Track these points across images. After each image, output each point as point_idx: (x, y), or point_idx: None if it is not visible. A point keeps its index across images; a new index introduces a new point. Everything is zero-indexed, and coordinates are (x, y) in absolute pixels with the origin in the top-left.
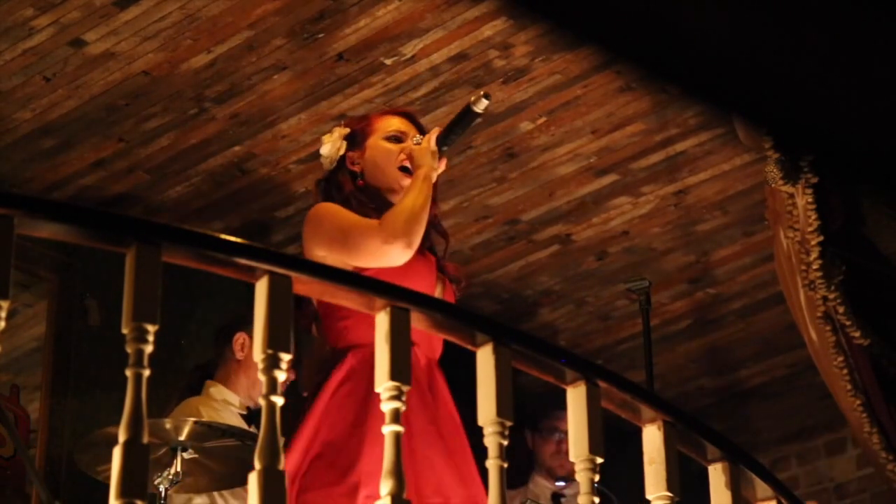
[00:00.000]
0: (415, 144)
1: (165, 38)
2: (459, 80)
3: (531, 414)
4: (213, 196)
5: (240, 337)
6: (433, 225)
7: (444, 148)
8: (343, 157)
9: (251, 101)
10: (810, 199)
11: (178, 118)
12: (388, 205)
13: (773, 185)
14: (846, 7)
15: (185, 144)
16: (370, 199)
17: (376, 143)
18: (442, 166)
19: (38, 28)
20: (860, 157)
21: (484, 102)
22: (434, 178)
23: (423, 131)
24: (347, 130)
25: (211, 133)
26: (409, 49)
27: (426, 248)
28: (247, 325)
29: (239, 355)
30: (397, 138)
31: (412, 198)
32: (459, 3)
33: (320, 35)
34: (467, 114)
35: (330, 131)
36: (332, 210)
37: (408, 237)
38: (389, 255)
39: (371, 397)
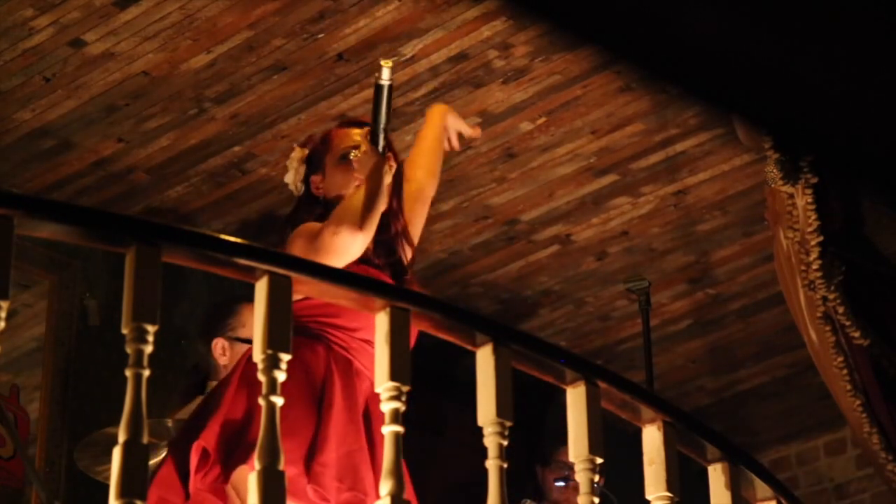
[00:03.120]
0: (352, 158)
1: (165, 38)
2: (459, 81)
3: (542, 449)
4: (213, 196)
5: (217, 343)
6: (400, 234)
7: (381, 136)
8: (307, 182)
9: (251, 101)
10: (810, 200)
11: (178, 118)
12: None
13: (772, 186)
14: (847, 5)
15: (185, 144)
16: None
17: (333, 168)
18: (392, 165)
19: (38, 28)
20: (860, 157)
21: (386, 72)
22: (387, 176)
23: None
24: (306, 153)
25: (211, 133)
26: (409, 49)
27: (388, 266)
28: (220, 329)
29: (222, 361)
30: (352, 155)
31: (361, 191)
32: (459, 3)
33: (320, 35)
34: (378, 92)
35: (290, 154)
36: (298, 232)
37: (355, 222)
38: (341, 244)
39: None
